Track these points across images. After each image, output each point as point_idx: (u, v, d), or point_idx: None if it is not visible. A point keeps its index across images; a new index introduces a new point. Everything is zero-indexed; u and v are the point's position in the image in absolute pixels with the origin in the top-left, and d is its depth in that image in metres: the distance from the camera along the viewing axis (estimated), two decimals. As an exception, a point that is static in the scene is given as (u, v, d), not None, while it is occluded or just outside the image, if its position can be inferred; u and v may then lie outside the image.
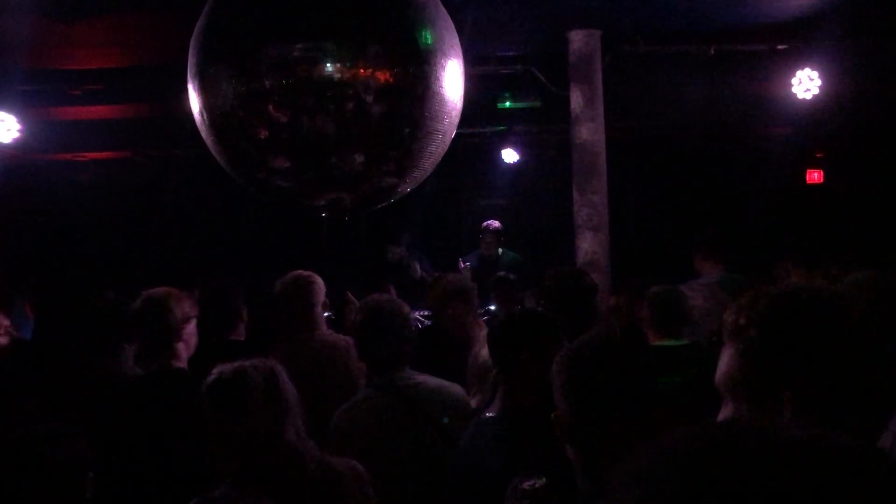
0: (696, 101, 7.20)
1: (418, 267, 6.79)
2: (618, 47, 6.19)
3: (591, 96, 5.96)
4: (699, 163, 9.11)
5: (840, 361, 1.22)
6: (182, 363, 2.88)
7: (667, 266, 5.77)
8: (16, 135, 6.76)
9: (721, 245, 4.82)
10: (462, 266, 6.49)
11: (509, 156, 8.68)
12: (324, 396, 2.96)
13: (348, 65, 2.90)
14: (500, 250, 6.92)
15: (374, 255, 6.86)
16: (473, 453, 2.25)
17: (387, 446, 2.71)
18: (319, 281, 3.72)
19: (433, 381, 2.85)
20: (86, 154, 8.89)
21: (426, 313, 4.87)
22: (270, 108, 2.94)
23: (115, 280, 6.72)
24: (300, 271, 3.77)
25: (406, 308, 2.97)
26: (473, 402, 2.85)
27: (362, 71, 2.91)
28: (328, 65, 2.89)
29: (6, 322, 4.03)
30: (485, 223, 6.94)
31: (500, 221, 7.07)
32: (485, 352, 2.75)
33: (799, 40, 6.34)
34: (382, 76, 2.93)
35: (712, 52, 6.28)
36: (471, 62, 4.33)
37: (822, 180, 9.68)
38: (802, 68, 6.45)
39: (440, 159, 3.38)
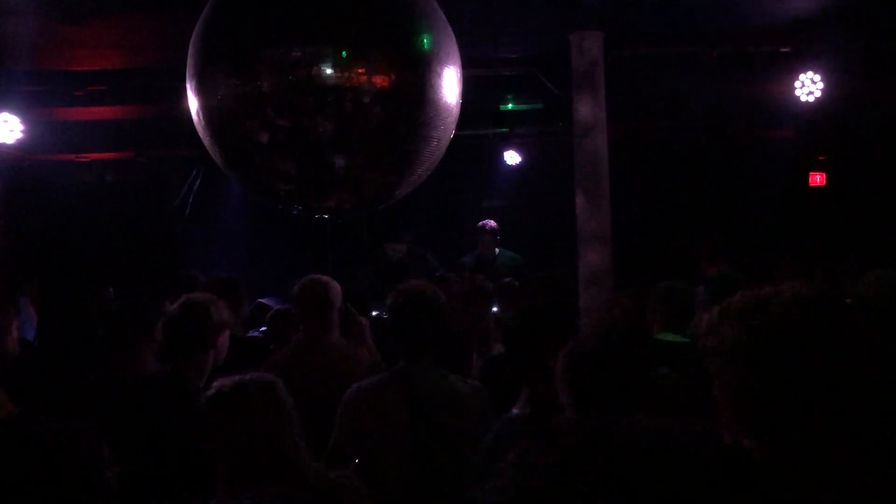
0: (698, 103, 7.21)
1: (430, 258, 6.76)
2: (620, 50, 6.19)
3: (593, 99, 5.95)
4: (702, 165, 9.10)
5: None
6: (204, 373, 2.85)
7: (670, 268, 5.77)
8: (19, 135, 6.78)
9: (725, 246, 4.83)
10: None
11: (511, 157, 8.69)
12: (329, 399, 2.96)
13: (346, 69, 2.91)
14: (498, 250, 6.94)
15: (376, 256, 6.83)
16: (496, 451, 2.25)
17: (384, 436, 2.72)
18: (336, 286, 3.71)
19: (451, 379, 2.82)
20: (89, 154, 8.90)
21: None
22: (268, 110, 2.95)
23: (118, 280, 6.74)
24: (318, 275, 3.73)
25: (443, 298, 2.92)
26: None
27: (360, 75, 2.92)
28: (325, 68, 2.90)
29: (17, 321, 4.02)
30: (480, 223, 6.98)
31: (502, 222, 7.09)
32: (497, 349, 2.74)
33: (801, 43, 6.34)
34: (379, 81, 2.94)
35: (715, 54, 6.28)
36: (473, 64, 4.34)
37: (824, 183, 9.67)
38: (805, 71, 6.45)
39: (436, 164, 3.39)
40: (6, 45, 5.63)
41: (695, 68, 6.48)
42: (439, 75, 3.10)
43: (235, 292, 4.12)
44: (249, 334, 4.62)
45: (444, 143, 3.34)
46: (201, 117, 3.17)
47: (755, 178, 8.78)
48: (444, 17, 3.25)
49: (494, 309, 5.07)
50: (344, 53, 2.91)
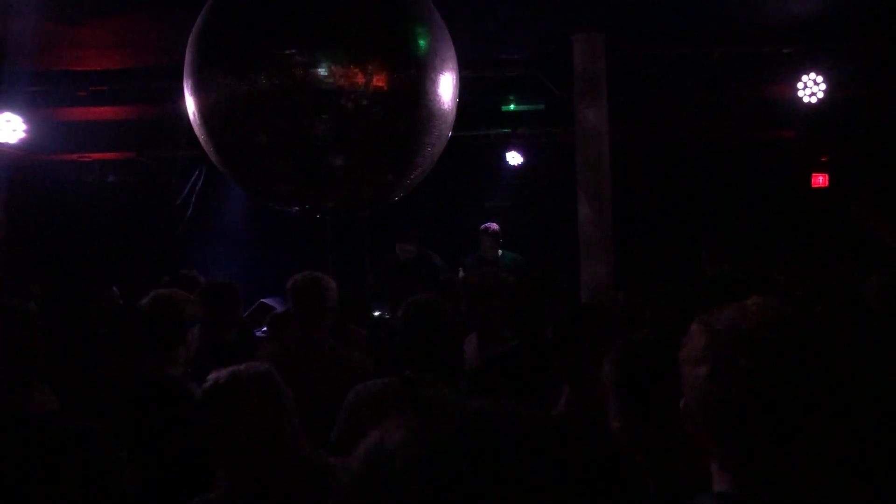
0: (700, 104, 7.20)
1: (436, 259, 6.75)
2: (622, 51, 6.18)
3: (595, 101, 5.95)
4: (704, 166, 9.10)
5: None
6: (179, 368, 2.86)
7: (672, 269, 5.77)
8: (22, 135, 6.80)
9: (727, 246, 4.83)
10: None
11: (513, 158, 8.70)
12: (317, 394, 2.96)
13: (344, 70, 2.91)
14: (500, 252, 6.92)
15: (384, 257, 6.80)
16: None
17: None
18: (331, 283, 3.68)
19: (456, 391, 2.81)
20: (91, 154, 8.92)
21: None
22: (265, 111, 2.95)
23: (120, 279, 6.75)
24: (315, 272, 3.72)
25: (453, 313, 2.89)
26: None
27: (358, 76, 2.93)
28: (323, 69, 2.90)
29: None
30: (483, 226, 6.94)
31: (505, 223, 7.07)
32: None
33: (804, 44, 6.33)
34: (377, 82, 2.95)
35: (717, 55, 6.27)
36: (475, 65, 4.35)
37: (827, 184, 9.65)
38: (808, 72, 6.45)
39: (434, 165, 3.39)
40: (9, 46, 5.64)
41: (697, 70, 6.48)
42: (437, 77, 3.11)
43: (232, 297, 4.09)
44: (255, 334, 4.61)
45: (442, 144, 3.34)
46: (198, 117, 3.17)
47: (758, 179, 8.77)
48: (441, 20, 3.26)
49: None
50: (342, 55, 2.91)
